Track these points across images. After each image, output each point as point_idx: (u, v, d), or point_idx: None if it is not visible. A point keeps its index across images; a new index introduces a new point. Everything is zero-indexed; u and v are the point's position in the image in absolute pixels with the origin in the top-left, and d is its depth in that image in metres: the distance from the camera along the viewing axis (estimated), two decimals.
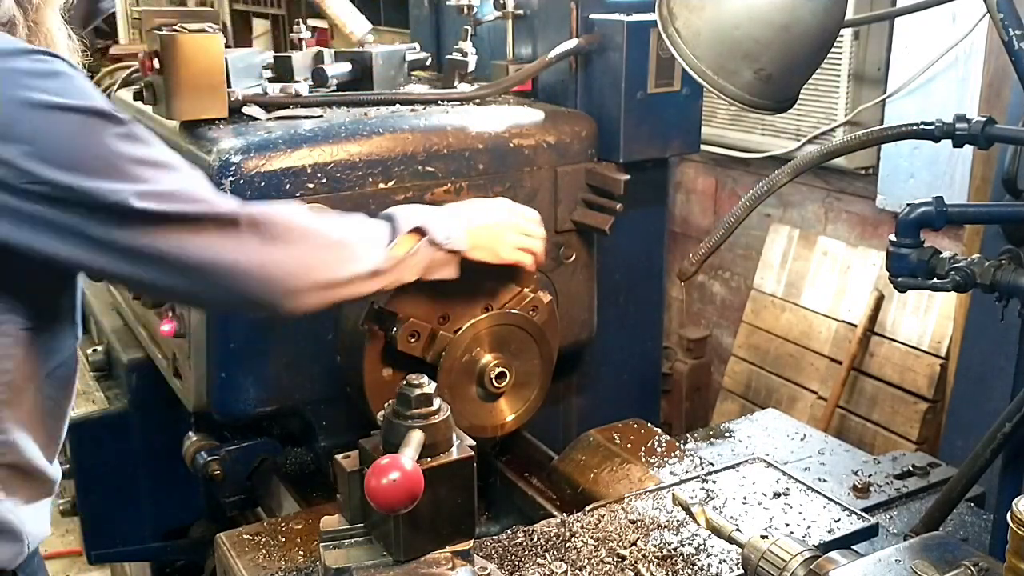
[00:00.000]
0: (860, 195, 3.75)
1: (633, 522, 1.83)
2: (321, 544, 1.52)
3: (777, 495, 1.91)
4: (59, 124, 1.28)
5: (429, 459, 1.44)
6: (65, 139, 1.28)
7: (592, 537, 1.78)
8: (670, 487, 1.94)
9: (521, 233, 1.92)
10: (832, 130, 3.63)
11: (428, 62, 2.77)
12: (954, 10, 3.19)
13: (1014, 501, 1.19)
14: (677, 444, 2.26)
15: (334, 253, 1.57)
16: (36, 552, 1.57)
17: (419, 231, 1.69)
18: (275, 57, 2.49)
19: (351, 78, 2.46)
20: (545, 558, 1.72)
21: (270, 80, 2.38)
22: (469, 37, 2.59)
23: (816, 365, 3.86)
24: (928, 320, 3.47)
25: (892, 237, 1.73)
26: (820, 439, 2.46)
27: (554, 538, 1.78)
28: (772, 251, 4.12)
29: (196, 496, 2.71)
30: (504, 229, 1.89)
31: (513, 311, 2.02)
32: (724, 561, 1.71)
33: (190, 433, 2.34)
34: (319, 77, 2.40)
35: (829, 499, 1.89)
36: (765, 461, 2.03)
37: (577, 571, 1.69)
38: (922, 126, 1.71)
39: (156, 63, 2.05)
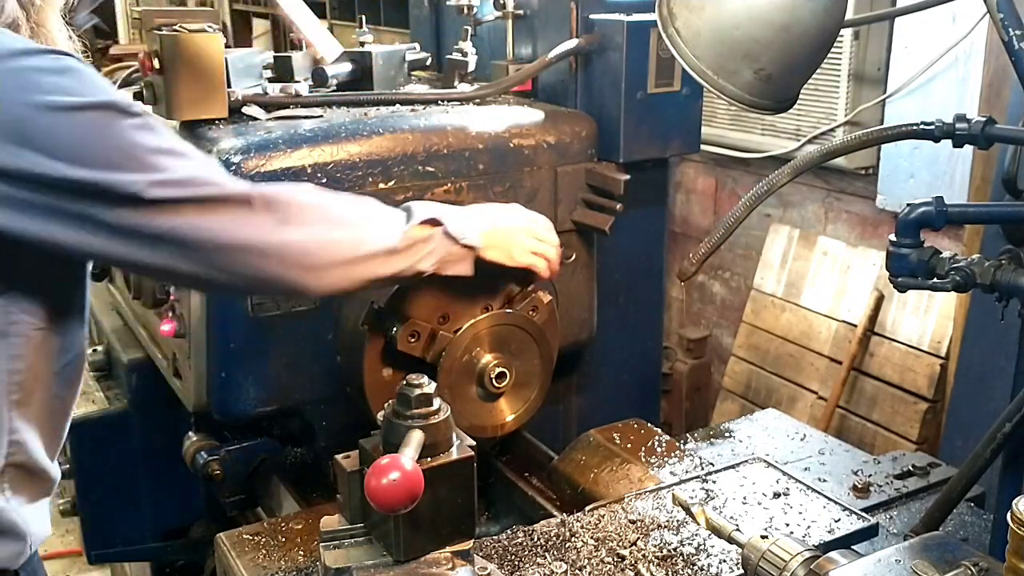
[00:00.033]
0: (860, 195, 3.75)
1: (633, 522, 1.83)
2: (321, 544, 1.52)
3: (777, 495, 1.91)
4: (77, 123, 1.30)
5: (429, 459, 1.44)
6: (84, 137, 1.30)
7: (592, 537, 1.78)
8: (670, 487, 1.94)
9: (535, 238, 1.92)
10: (832, 130, 3.63)
11: (428, 62, 2.77)
12: (954, 10, 3.19)
13: (1014, 501, 1.19)
14: (677, 444, 2.26)
15: (349, 230, 1.58)
16: (36, 552, 1.57)
17: (434, 221, 1.70)
18: (275, 57, 2.49)
19: (351, 78, 2.46)
20: (545, 558, 1.72)
21: (270, 80, 2.38)
22: (469, 37, 2.59)
23: (816, 365, 3.86)
24: (928, 320, 3.48)
25: (892, 237, 1.73)
26: (820, 439, 2.46)
27: (554, 538, 1.78)
28: (772, 251, 4.12)
29: (196, 496, 2.71)
30: (519, 233, 1.89)
31: (513, 311, 2.02)
32: (724, 561, 1.71)
33: (190, 433, 2.34)
34: (319, 77, 2.40)
35: (829, 499, 1.89)
36: (765, 461, 2.03)
37: (577, 571, 1.69)
38: (922, 126, 1.71)
39: (156, 63, 2.05)
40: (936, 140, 1.71)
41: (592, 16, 2.40)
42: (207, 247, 1.40)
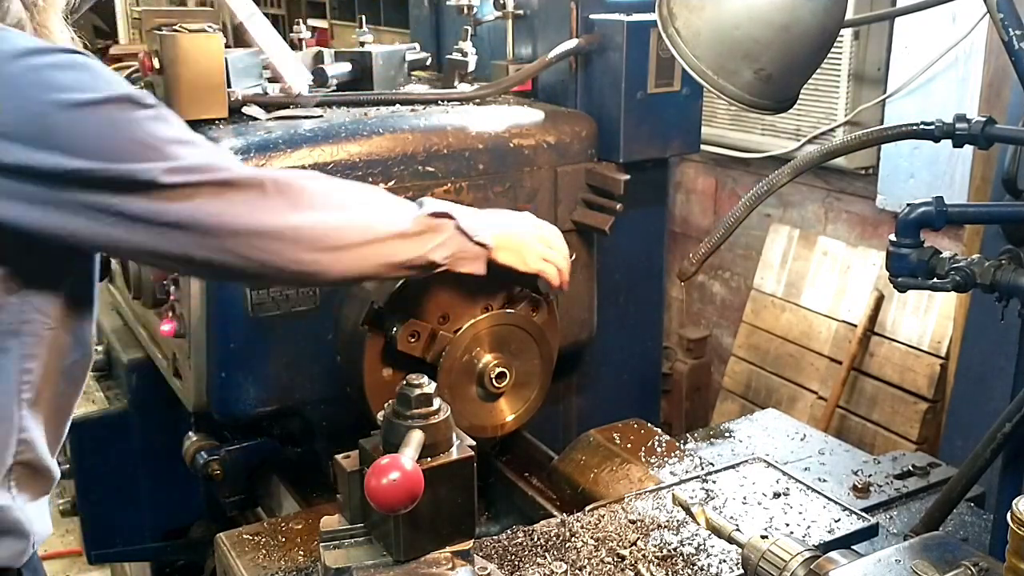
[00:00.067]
0: (860, 195, 3.75)
1: (633, 522, 1.83)
2: (321, 544, 1.52)
3: (777, 495, 1.91)
4: (96, 119, 1.31)
5: (429, 459, 1.44)
6: (103, 132, 1.31)
7: (592, 537, 1.78)
8: (670, 487, 1.94)
9: (547, 246, 1.93)
10: (832, 130, 3.63)
11: (428, 62, 2.77)
12: (954, 10, 3.19)
13: (1014, 501, 1.19)
14: (677, 444, 2.26)
15: (362, 213, 1.59)
16: (36, 551, 1.57)
17: (447, 215, 1.71)
18: None
19: (351, 78, 2.46)
20: (545, 558, 1.72)
21: (270, 80, 2.38)
22: (469, 37, 2.59)
23: (816, 365, 3.86)
24: (928, 320, 3.48)
25: (892, 237, 1.73)
26: (820, 439, 2.46)
27: (554, 538, 1.78)
28: (772, 251, 4.12)
29: (196, 496, 2.71)
30: (531, 238, 1.89)
31: (513, 311, 2.02)
32: (724, 561, 1.71)
33: (190, 433, 2.34)
34: (319, 77, 2.40)
35: (829, 499, 1.89)
36: (765, 461, 2.03)
37: (577, 571, 1.69)
38: (922, 126, 1.71)
39: (156, 63, 2.06)
40: (936, 140, 1.71)
41: (592, 16, 2.40)
42: (222, 232, 1.41)
